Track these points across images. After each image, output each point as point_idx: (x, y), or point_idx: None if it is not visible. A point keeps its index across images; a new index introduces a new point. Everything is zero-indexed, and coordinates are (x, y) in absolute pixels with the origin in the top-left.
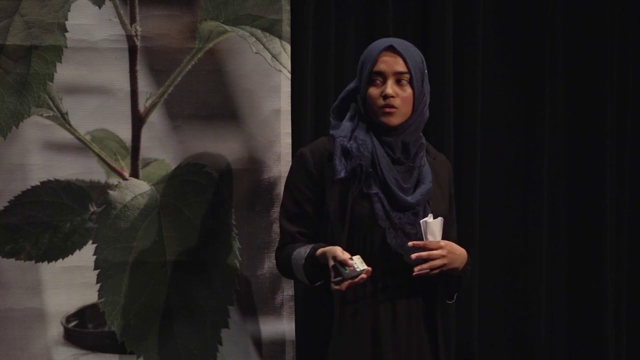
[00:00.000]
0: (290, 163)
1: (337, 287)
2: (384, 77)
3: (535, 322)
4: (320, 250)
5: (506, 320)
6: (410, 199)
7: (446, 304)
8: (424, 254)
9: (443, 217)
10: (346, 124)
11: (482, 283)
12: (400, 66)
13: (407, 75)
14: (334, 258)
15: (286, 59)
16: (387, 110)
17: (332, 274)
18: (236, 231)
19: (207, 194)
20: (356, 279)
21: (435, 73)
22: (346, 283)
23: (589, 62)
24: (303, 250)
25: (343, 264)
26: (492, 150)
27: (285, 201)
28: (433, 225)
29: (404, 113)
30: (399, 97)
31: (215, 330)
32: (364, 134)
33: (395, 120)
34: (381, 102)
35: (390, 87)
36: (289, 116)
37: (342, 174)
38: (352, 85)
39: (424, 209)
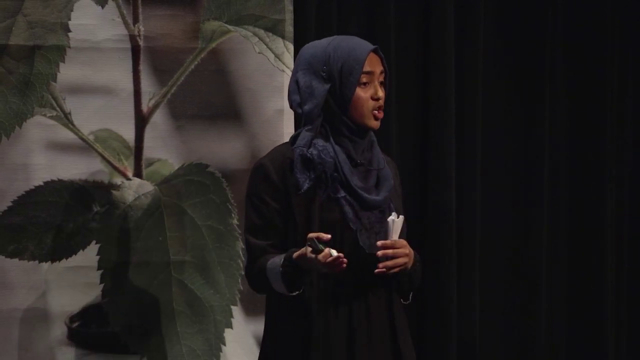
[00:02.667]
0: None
1: (318, 257)
2: (371, 77)
3: (535, 322)
4: (298, 252)
5: (506, 320)
6: (375, 197)
7: (403, 304)
8: (390, 252)
9: (402, 215)
10: (305, 133)
11: (482, 283)
12: (381, 65)
13: (384, 75)
14: (308, 239)
15: (289, 58)
16: (378, 114)
17: (309, 251)
18: (239, 231)
19: (210, 193)
20: (333, 257)
21: (436, 73)
22: (326, 252)
23: (589, 62)
24: (277, 259)
25: (318, 239)
26: (493, 150)
27: (250, 215)
28: (398, 224)
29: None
30: (382, 97)
31: (219, 330)
32: (322, 140)
33: (378, 124)
34: (374, 104)
35: (381, 90)
36: (292, 116)
37: (306, 186)
38: (322, 89)
39: (389, 206)
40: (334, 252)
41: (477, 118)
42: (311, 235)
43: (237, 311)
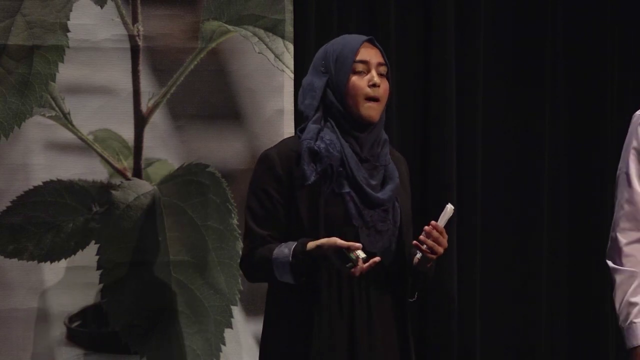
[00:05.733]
0: None
1: (351, 271)
2: (367, 66)
3: (535, 322)
4: (312, 244)
5: (507, 320)
6: (380, 195)
7: (407, 302)
8: (436, 233)
9: (408, 213)
10: (312, 126)
11: (483, 283)
12: (380, 58)
13: (385, 68)
14: (334, 246)
15: (289, 58)
16: (373, 100)
17: (338, 262)
18: (239, 231)
19: (210, 193)
20: (365, 265)
21: (437, 72)
22: (361, 267)
23: (590, 61)
24: (285, 249)
25: (349, 249)
26: (493, 150)
27: (252, 204)
28: (449, 214)
29: (382, 107)
30: (381, 88)
31: (219, 330)
32: (330, 133)
33: (376, 115)
34: (368, 91)
35: (379, 79)
36: (292, 116)
37: (312, 179)
38: (320, 83)
39: (393, 205)
40: (362, 260)
41: (478, 118)
42: (340, 243)
43: (237, 311)
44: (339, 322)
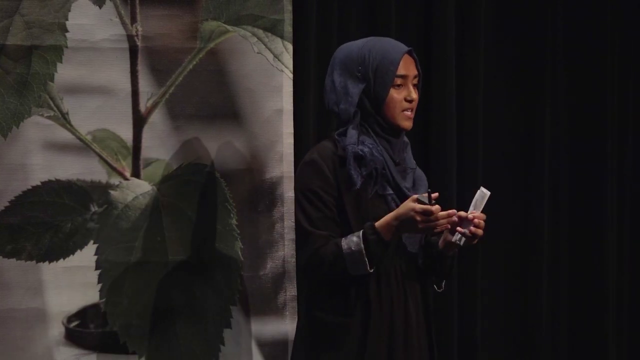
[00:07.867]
0: (292, 163)
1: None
2: (405, 80)
3: (536, 321)
4: (380, 221)
5: (508, 319)
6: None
7: (436, 292)
8: (482, 222)
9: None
10: (352, 131)
11: (484, 283)
12: (416, 69)
13: (417, 78)
14: (415, 207)
15: (288, 59)
16: (410, 114)
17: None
18: (238, 231)
19: (208, 194)
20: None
21: (437, 73)
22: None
23: (590, 61)
24: (354, 237)
25: (425, 198)
26: (494, 150)
27: (305, 208)
28: (484, 199)
29: (414, 114)
30: (415, 100)
31: (218, 330)
32: (368, 138)
33: (411, 124)
34: (406, 105)
35: (414, 92)
36: (291, 116)
37: (359, 183)
38: (356, 89)
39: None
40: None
41: (478, 118)
42: (416, 196)
43: (236, 311)
44: (378, 320)
